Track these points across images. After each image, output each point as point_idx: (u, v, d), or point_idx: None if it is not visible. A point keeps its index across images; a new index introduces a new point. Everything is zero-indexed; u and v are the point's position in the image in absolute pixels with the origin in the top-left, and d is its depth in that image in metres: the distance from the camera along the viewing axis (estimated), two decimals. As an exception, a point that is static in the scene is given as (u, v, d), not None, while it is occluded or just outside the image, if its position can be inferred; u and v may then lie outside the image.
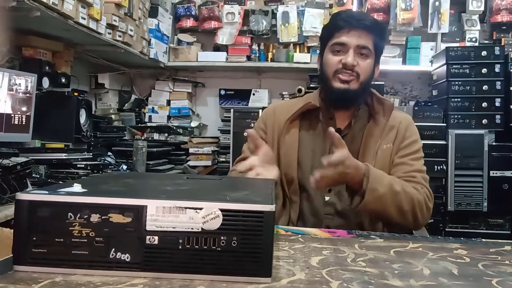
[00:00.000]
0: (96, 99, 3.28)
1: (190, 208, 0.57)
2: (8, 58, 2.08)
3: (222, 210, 0.57)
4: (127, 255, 0.57)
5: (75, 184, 0.64)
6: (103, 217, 0.57)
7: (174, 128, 3.39)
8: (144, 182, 0.82)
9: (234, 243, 0.57)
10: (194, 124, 3.49)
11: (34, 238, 0.57)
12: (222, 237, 0.57)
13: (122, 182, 0.79)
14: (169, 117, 3.53)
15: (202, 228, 0.57)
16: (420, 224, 1.14)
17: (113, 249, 0.57)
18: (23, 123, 2.05)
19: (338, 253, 0.73)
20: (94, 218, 0.57)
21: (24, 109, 2.04)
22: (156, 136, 3.38)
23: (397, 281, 0.60)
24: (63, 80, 2.42)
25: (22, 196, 0.57)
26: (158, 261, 0.57)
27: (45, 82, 2.30)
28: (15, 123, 2.00)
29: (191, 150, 3.30)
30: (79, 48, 2.66)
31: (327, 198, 1.22)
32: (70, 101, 2.36)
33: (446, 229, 2.67)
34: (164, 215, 0.57)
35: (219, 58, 3.31)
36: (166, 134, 3.40)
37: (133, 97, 3.53)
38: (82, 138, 2.36)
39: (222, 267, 0.57)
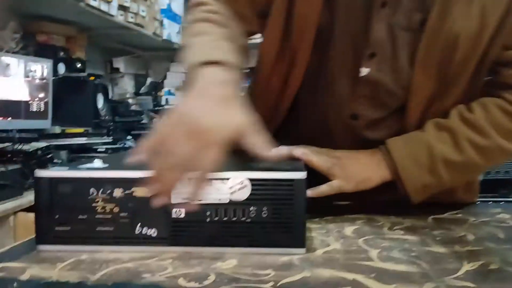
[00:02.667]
0: (112, 84, 3.28)
1: (216, 178, 0.54)
2: (22, 44, 2.08)
3: (250, 180, 0.54)
4: (153, 229, 0.54)
5: (95, 159, 0.62)
6: (126, 192, 0.54)
7: (192, 109, 3.37)
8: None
9: (264, 214, 0.54)
10: (211, 104, 3.46)
11: (57, 216, 0.55)
12: (251, 208, 0.54)
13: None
14: (185, 99, 3.51)
15: (230, 199, 0.54)
16: None
17: (139, 224, 0.54)
18: (42, 110, 2.05)
19: (372, 222, 0.69)
20: (117, 193, 0.54)
21: (41, 95, 2.05)
22: (174, 118, 3.37)
23: (441, 248, 0.56)
24: (79, 65, 2.41)
25: (41, 173, 0.55)
26: (186, 235, 0.54)
27: (61, 68, 2.30)
28: (33, 110, 2.00)
29: (209, 131, 3.28)
30: (92, 32, 2.64)
31: (364, 72, 0.71)
32: (87, 86, 2.36)
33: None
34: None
35: (233, 36, 3.25)
36: (183, 116, 3.39)
37: (149, 80, 3.52)
38: (101, 122, 2.36)
39: (253, 239, 0.54)
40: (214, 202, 0.54)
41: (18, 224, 1.42)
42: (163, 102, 3.47)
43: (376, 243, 0.58)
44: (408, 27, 0.68)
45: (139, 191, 0.54)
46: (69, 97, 2.27)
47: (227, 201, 0.54)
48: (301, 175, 0.54)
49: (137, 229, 0.54)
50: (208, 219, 0.54)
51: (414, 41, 0.67)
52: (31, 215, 1.35)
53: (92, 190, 0.55)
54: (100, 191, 0.54)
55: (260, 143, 0.53)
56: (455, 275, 0.47)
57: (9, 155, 1.52)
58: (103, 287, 0.44)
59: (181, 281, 0.45)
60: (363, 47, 0.70)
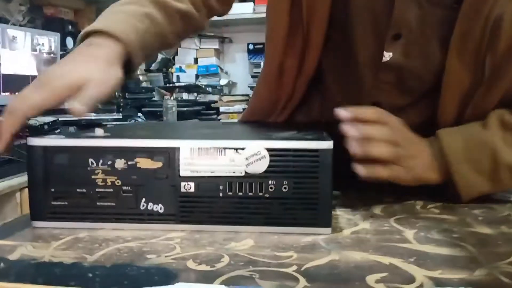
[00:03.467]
0: (123, 60, 3.21)
1: (230, 148, 0.47)
2: (29, 17, 2.01)
3: (268, 150, 0.47)
4: (160, 205, 0.48)
5: (96, 129, 0.56)
6: (129, 163, 0.48)
7: (203, 87, 3.30)
8: (176, 127, 0.73)
9: (284, 188, 0.48)
10: (223, 82, 3.39)
11: (53, 190, 0.49)
12: (270, 182, 0.47)
13: (151, 129, 0.70)
14: (197, 76, 3.43)
15: (245, 172, 0.47)
16: None
17: (144, 199, 0.48)
18: (50, 85, 1.99)
19: (403, 200, 0.62)
20: (119, 164, 0.48)
21: (49, 70, 1.99)
22: (185, 96, 3.30)
23: (486, 229, 0.49)
24: (87, 40, 2.35)
25: (34, 141, 0.49)
26: (196, 212, 0.48)
27: (69, 42, 2.23)
28: (41, 85, 1.95)
29: (221, 109, 3.21)
30: (101, 5, 2.57)
31: (387, 56, 0.62)
32: (95, 61, 2.29)
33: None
34: (200, 157, 0.48)
35: (245, 9, 3.14)
36: (195, 94, 3.32)
37: (160, 56, 3.44)
38: (111, 98, 2.31)
39: (271, 217, 0.48)
40: (227, 174, 0.48)
41: (25, 200, 1.39)
42: (174, 79, 3.40)
43: (410, 222, 0.52)
44: (440, 3, 0.58)
45: (144, 162, 0.48)
46: (78, 72, 2.21)
47: (243, 174, 0.47)
48: (327, 144, 0.47)
49: (142, 205, 0.48)
50: (221, 194, 0.48)
51: (448, 21, 0.57)
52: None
53: (91, 160, 0.49)
54: (100, 162, 0.48)
55: (85, 99, 0.50)
56: (509, 260, 0.40)
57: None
58: (101, 269, 0.38)
59: (190, 264, 0.39)
60: (386, 26, 0.61)
